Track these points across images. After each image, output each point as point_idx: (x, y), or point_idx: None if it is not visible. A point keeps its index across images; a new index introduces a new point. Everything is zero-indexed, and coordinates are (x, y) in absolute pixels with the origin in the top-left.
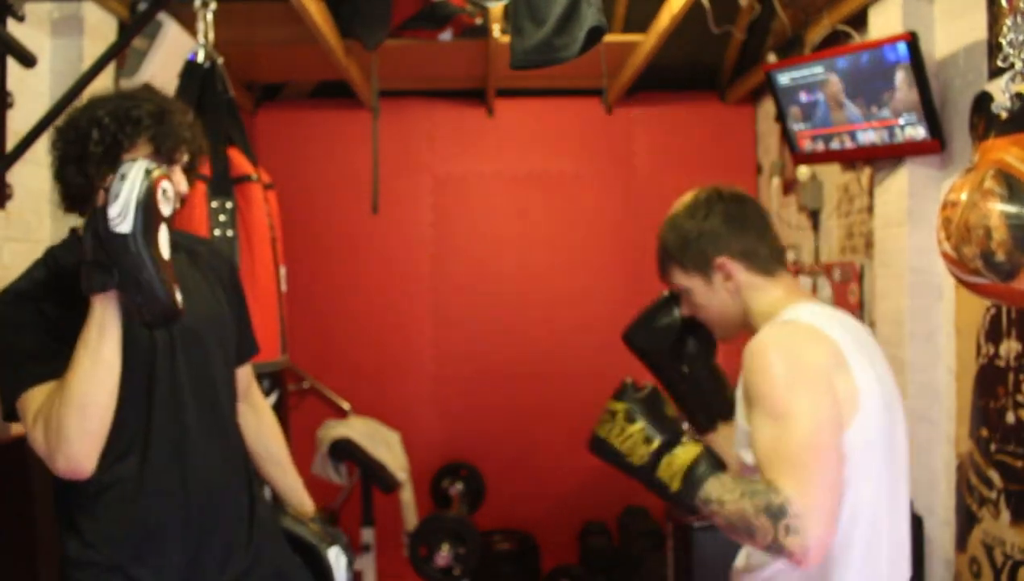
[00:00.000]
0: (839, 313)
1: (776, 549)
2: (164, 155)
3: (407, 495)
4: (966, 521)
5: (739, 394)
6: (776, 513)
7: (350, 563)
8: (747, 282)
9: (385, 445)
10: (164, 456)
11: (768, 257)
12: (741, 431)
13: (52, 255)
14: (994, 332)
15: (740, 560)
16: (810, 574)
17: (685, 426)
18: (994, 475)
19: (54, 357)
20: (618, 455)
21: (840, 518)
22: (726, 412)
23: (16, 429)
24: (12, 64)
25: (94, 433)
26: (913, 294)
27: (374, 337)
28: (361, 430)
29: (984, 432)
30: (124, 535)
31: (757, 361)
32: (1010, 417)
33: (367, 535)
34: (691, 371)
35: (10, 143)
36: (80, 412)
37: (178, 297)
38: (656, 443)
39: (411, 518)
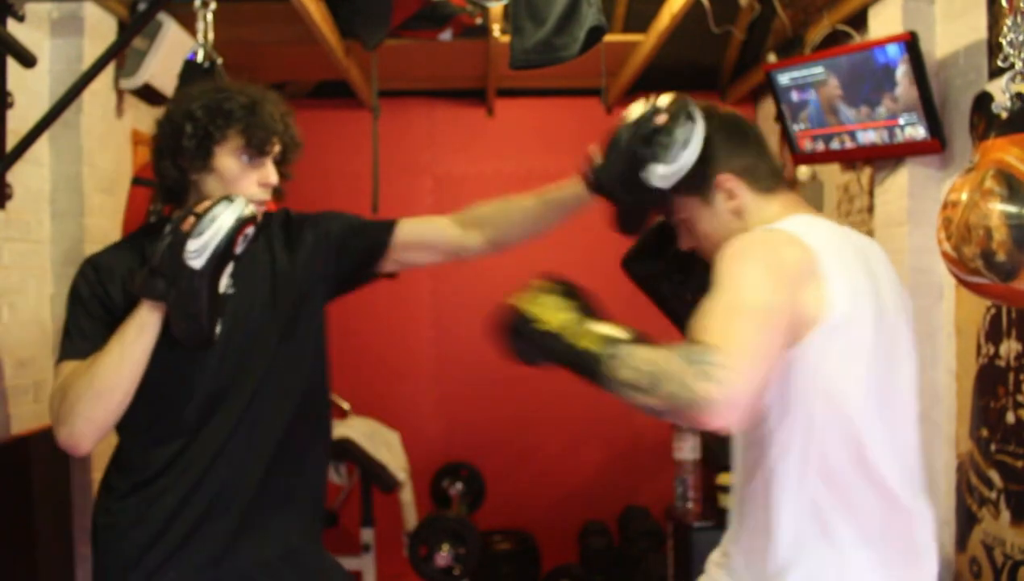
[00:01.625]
0: (839, 227)
1: (681, 398)
2: (255, 146)
3: (407, 495)
4: (966, 521)
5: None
6: (693, 358)
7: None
8: (749, 200)
9: (385, 445)
10: (204, 458)
11: (768, 174)
12: None
13: (140, 233)
14: (994, 332)
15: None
16: (821, 507)
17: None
18: (994, 475)
19: (100, 336)
20: (528, 320)
21: (819, 437)
22: None
23: (16, 429)
24: (12, 64)
25: (99, 421)
26: (913, 294)
27: (374, 337)
28: (361, 430)
29: (984, 432)
30: (152, 530)
31: (728, 252)
32: (1010, 417)
33: (367, 535)
34: (694, 298)
35: (10, 143)
36: (95, 398)
37: (217, 329)
38: (575, 313)
39: (411, 518)
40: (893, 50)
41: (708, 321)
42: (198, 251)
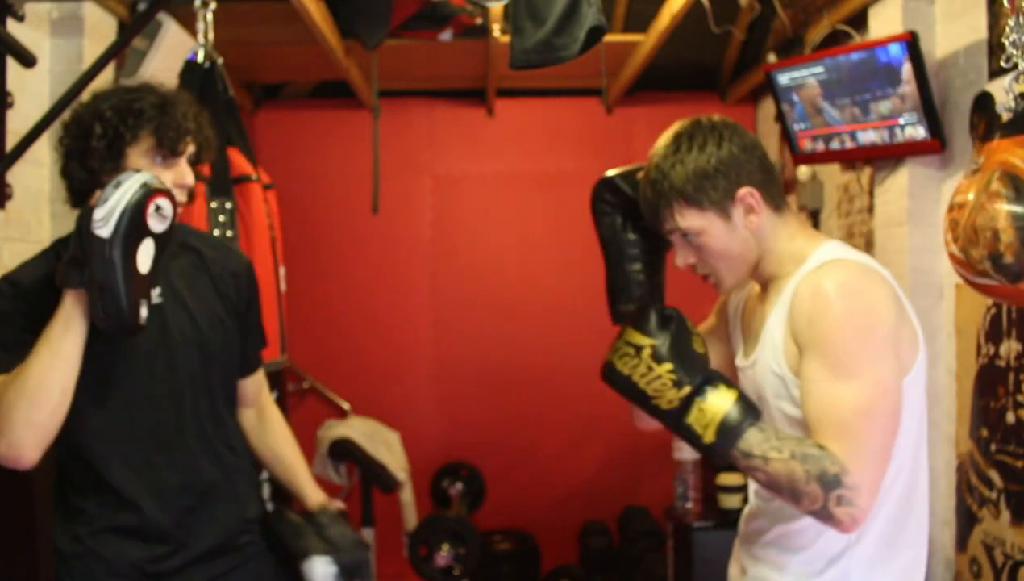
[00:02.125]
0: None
1: (822, 516)
2: (167, 147)
3: (407, 495)
4: (966, 521)
5: (782, 335)
6: (831, 483)
7: (346, 566)
8: (766, 217)
9: (385, 445)
10: (160, 457)
11: (779, 191)
12: (775, 378)
13: (55, 249)
14: (994, 332)
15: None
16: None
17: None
18: (994, 475)
19: (25, 349)
20: (643, 396)
21: (902, 464)
22: None
23: None
24: (12, 64)
25: (40, 425)
26: (913, 294)
27: (374, 337)
28: (361, 430)
29: (984, 432)
30: (114, 529)
31: (827, 306)
32: (1010, 417)
33: (367, 535)
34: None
35: (10, 143)
36: (30, 402)
37: (143, 313)
38: (687, 389)
39: (411, 518)
40: (893, 50)
41: (836, 429)
42: (105, 218)
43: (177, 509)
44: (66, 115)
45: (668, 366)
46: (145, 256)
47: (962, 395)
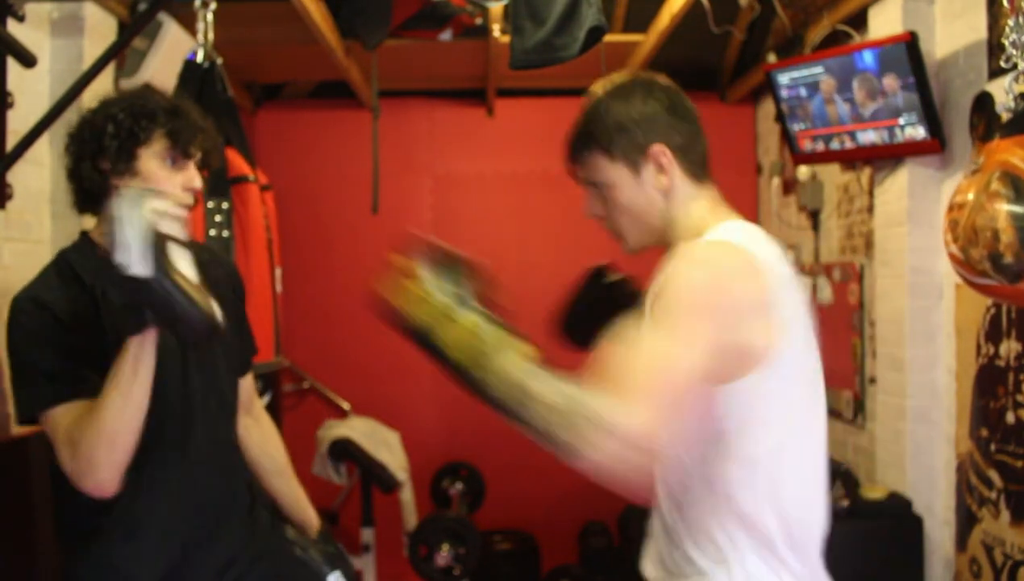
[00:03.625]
0: (766, 236)
1: (573, 454)
2: (180, 149)
3: (407, 495)
4: (966, 521)
5: (647, 305)
6: (597, 420)
7: None
8: (679, 183)
9: (385, 445)
10: (170, 461)
11: (701, 159)
12: None
13: (64, 258)
14: (994, 332)
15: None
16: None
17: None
18: (994, 475)
19: (74, 376)
20: (397, 314)
21: (753, 460)
22: None
23: (17, 429)
24: (12, 64)
25: (121, 463)
26: (913, 294)
27: (374, 337)
28: (361, 430)
29: (984, 432)
30: (123, 536)
31: (681, 271)
32: (1010, 417)
33: (367, 535)
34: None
35: (10, 143)
36: (109, 445)
37: (217, 313)
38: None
39: (411, 518)
40: (893, 50)
41: (638, 378)
42: (131, 258)
43: (190, 510)
44: (73, 119)
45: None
46: (185, 264)
47: (962, 395)
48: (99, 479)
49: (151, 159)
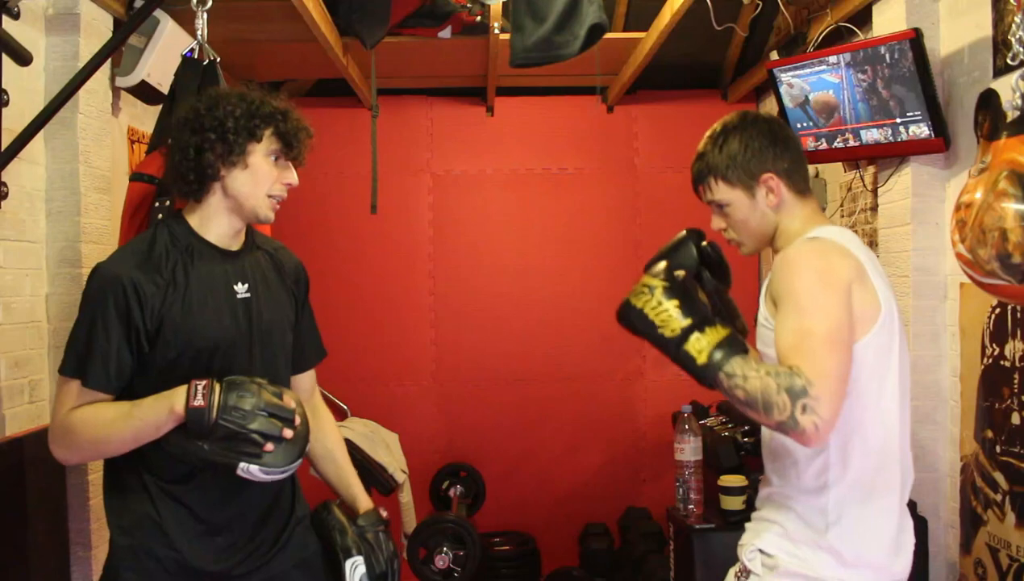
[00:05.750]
0: (852, 234)
1: (789, 425)
2: (287, 149)
3: (406, 497)
4: (971, 523)
5: (764, 299)
6: (798, 393)
7: (377, 574)
8: (786, 198)
9: (384, 446)
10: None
11: (804, 178)
12: (764, 330)
13: (167, 226)
14: (999, 332)
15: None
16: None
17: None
18: (999, 477)
19: (118, 370)
20: (651, 325)
21: (861, 417)
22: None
23: (11, 430)
24: (7, 61)
25: (89, 459)
26: (917, 294)
27: (374, 337)
28: (360, 431)
29: (989, 433)
30: (171, 516)
31: (791, 266)
32: (1015, 418)
33: None
34: (709, 303)
35: (5, 141)
36: (92, 449)
37: (287, 434)
38: (689, 320)
39: (410, 520)
40: (897, 48)
41: (801, 354)
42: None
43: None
44: (186, 115)
45: (675, 302)
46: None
47: (966, 396)
48: (66, 459)
49: (260, 155)
